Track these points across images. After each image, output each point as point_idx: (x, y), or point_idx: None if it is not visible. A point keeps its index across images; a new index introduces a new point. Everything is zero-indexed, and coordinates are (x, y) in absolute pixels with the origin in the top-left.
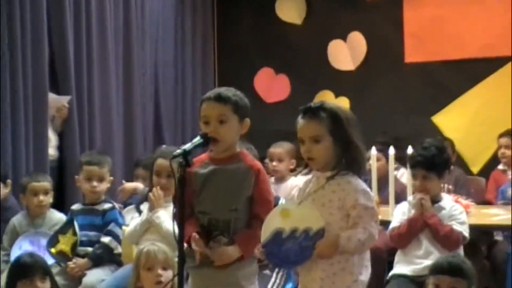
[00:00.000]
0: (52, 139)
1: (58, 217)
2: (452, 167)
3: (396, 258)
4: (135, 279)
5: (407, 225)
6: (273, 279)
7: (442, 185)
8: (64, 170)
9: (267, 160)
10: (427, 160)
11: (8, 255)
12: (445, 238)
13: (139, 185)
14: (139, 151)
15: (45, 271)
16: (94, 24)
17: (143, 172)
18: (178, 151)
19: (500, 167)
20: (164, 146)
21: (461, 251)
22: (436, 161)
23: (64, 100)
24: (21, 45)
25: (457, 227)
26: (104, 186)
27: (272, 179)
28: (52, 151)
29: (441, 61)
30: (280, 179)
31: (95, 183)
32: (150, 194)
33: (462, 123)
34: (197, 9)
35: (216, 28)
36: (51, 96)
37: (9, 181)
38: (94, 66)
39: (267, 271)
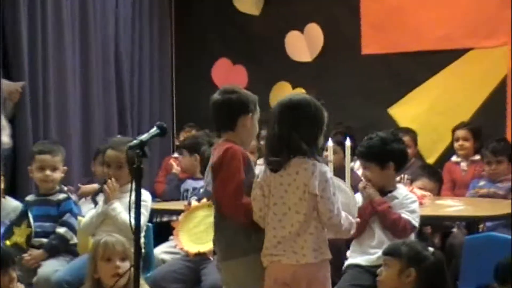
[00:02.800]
0: (6, 127)
1: (14, 205)
2: (413, 159)
3: (351, 248)
4: (92, 270)
5: (357, 213)
6: None
7: (396, 176)
8: (16, 159)
9: None
10: (366, 150)
11: None
12: (393, 225)
13: (95, 186)
14: (99, 141)
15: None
16: (49, 10)
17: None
18: (135, 141)
19: (454, 158)
20: (118, 136)
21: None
22: (375, 152)
23: (18, 85)
24: None
25: (405, 215)
26: (57, 175)
27: None
28: (6, 139)
29: (399, 52)
30: None
31: (48, 172)
32: (105, 186)
33: (418, 114)
34: None
35: (174, 18)
36: (4, 82)
37: None
38: (49, 52)
39: None
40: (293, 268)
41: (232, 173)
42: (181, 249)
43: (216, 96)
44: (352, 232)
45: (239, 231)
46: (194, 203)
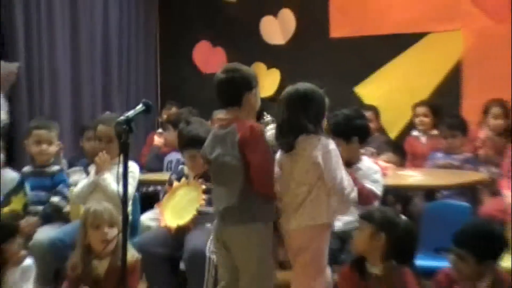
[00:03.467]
0: (4, 105)
1: (12, 176)
2: (376, 133)
3: None
4: (83, 237)
5: None
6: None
7: (361, 149)
8: (14, 134)
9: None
10: (332, 126)
11: None
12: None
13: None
14: (87, 118)
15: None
16: None
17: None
18: (122, 117)
19: (414, 133)
20: (107, 112)
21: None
22: (340, 128)
23: (13, 67)
24: None
25: (369, 185)
26: (53, 149)
27: None
28: (4, 115)
29: (364, 36)
30: None
31: (44, 146)
32: (96, 158)
33: (382, 93)
34: None
35: (160, 1)
36: (1, 64)
37: None
38: (42, 35)
39: (208, 225)
40: (298, 233)
41: (265, 151)
42: (164, 226)
43: (219, 75)
44: (353, 195)
45: (260, 199)
46: (175, 183)
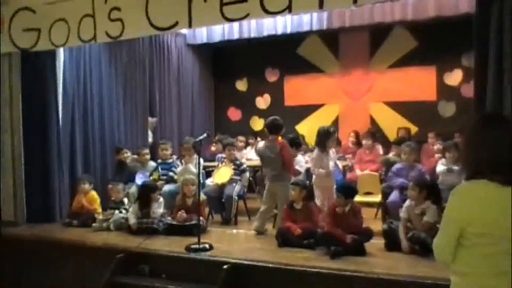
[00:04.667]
0: (150, 135)
1: (153, 164)
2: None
3: None
4: (181, 190)
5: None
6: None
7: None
8: (152, 149)
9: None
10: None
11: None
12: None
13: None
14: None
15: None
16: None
17: None
18: (196, 140)
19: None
20: (187, 137)
21: None
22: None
23: (154, 120)
24: None
25: (297, 166)
26: (169, 152)
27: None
28: (150, 138)
29: (299, 105)
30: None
31: (165, 151)
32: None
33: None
34: None
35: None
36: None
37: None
38: (168, 94)
39: (234, 184)
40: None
41: (290, 153)
42: (213, 182)
43: (270, 119)
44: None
45: (288, 173)
46: (219, 164)
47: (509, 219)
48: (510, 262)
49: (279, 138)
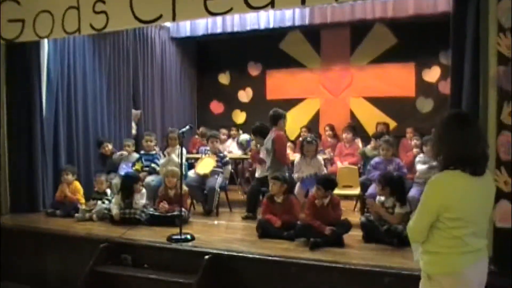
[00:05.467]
0: (134, 127)
1: (136, 155)
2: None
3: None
4: (164, 181)
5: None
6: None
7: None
8: (137, 139)
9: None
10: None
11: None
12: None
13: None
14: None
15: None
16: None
17: None
18: (180, 131)
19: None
20: (170, 128)
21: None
22: (257, 129)
23: (138, 112)
24: None
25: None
26: (152, 144)
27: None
28: (134, 131)
29: (282, 98)
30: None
31: (149, 143)
32: (169, 149)
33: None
34: None
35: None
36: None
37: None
38: (154, 87)
39: (216, 176)
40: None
41: (284, 144)
42: (196, 172)
43: (271, 112)
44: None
45: (282, 165)
46: (203, 156)
47: (477, 205)
48: (476, 243)
49: (284, 129)
